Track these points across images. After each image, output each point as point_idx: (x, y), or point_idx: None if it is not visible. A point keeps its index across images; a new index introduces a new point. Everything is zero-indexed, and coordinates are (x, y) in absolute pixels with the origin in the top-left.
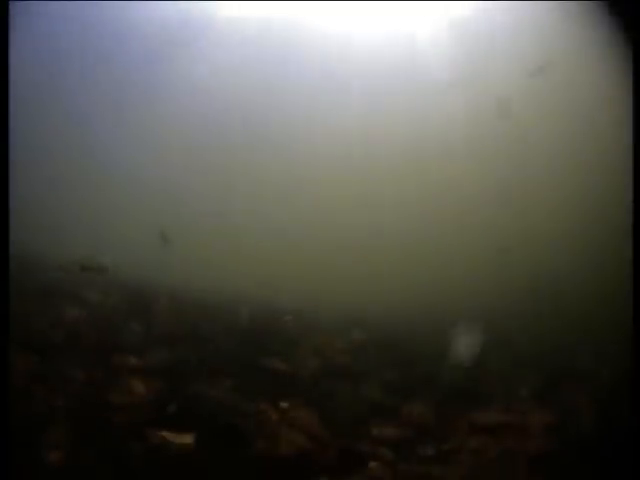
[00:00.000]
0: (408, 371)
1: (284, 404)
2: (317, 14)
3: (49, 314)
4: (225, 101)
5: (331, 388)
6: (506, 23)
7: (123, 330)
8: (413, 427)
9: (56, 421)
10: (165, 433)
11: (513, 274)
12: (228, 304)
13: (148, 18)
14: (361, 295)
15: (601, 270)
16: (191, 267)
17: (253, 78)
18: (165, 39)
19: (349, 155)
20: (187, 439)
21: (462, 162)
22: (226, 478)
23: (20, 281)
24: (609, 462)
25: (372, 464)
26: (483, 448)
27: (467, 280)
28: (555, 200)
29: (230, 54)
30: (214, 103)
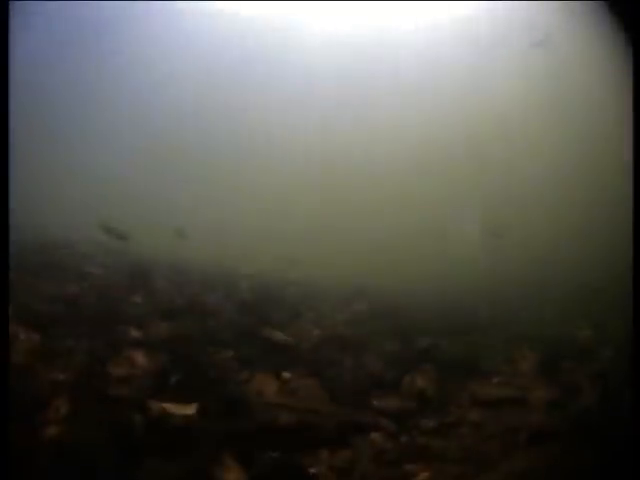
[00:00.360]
0: (409, 343)
1: (285, 374)
2: (315, 15)
3: (50, 289)
4: (228, 104)
5: (332, 359)
6: (507, 22)
7: (124, 303)
8: (414, 399)
9: (57, 395)
10: (167, 405)
11: (513, 250)
12: (230, 276)
13: (147, 17)
14: (362, 268)
15: (602, 249)
16: (193, 241)
17: (251, 79)
18: (166, 38)
19: (350, 140)
20: (189, 410)
21: (464, 151)
22: (227, 449)
23: (21, 256)
24: (610, 439)
25: (373, 435)
26: (484, 422)
27: (468, 257)
28: (553, 188)
29: (230, 54)
30: (215, 105)
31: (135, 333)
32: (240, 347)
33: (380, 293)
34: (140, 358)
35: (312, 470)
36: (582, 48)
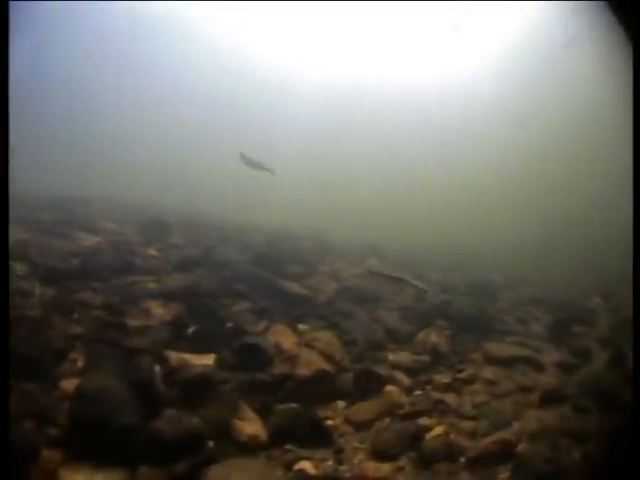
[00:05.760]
0: (423, 299)
1: (302, 326)
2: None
3: (65, 245)
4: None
5: (348, 312)
6: (508, 25)
7: (140, 256)
8: (428, 354)
9: (74, 348)
10: (185, 355)
11: (529, 217)
12: (245, 230)
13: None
14: (378, 224)
15: (613, 218)
16: (209, 195)
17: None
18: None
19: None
20: (207, 360)
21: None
22: (245, 399)
23: (35, 215)
24: (617, 401)
25: (388, 388)
26: (497, 380)
27: (484, 217)
28: (566, 163)
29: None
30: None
31: (152, 285)
32: (256, 299)
33: (393, 250)
34: (157, 309)
35: (329, 422)
36: (581, 48)
